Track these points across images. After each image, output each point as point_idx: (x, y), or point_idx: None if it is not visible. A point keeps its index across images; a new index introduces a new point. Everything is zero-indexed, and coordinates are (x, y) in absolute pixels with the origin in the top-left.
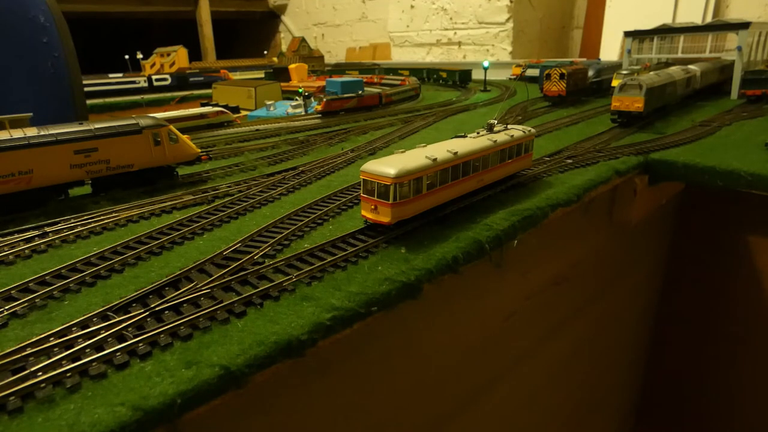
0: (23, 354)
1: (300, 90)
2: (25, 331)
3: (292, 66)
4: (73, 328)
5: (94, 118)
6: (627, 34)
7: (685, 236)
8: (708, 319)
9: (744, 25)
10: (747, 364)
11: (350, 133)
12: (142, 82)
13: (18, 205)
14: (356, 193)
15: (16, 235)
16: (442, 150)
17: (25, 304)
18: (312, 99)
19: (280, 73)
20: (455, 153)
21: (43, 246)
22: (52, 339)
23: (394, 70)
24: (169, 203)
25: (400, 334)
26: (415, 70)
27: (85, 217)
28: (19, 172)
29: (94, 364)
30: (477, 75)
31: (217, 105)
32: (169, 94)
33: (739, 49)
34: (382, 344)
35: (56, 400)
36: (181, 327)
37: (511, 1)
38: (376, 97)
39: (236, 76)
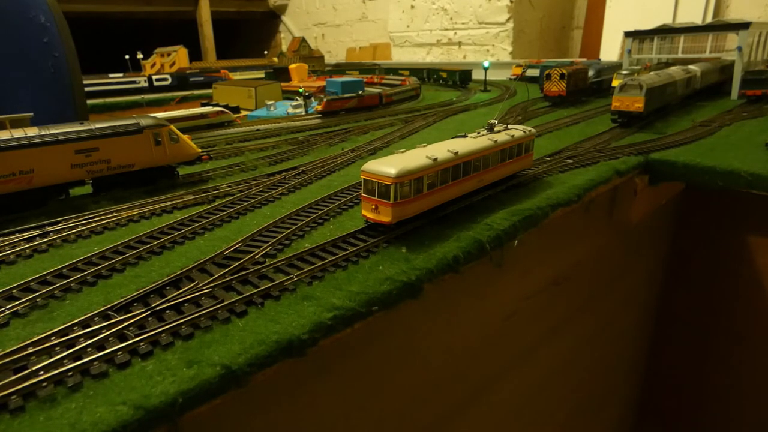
0: (25, 353)
1: (300, 90)
2: (26, 330)
3: (292, 66)
4: (75, 328)
5: (95, 118)
6: (627, 34)
7: (685, 236)
8: (708, 319)
9: (744, 26)
10: (747, 363)
11: (350, 133)
12: (142, 82)
13: (19, 205)
14: (357, 193)
15: (17, 235)
16: (442, 150)
17: (27, 303)
18: (312, 99)
19: (280, 73)
20: (456, 153)
21: (44, 245)
22: (53, 338)
23: (394, 70)
24: (170, 203)
25: (401, 334)
26: (416, 70)
27: (86, 217)
28: (20, 171)
29: (95, 363)
30: (477, 75)
31: (217, 105)
32: (169, 94)
33: (739, 49)
34: (382, 344)
35: (58, 399)
36: (183, 326)
37: (511, 1)
38: (377, 97)
39: (236, 76)
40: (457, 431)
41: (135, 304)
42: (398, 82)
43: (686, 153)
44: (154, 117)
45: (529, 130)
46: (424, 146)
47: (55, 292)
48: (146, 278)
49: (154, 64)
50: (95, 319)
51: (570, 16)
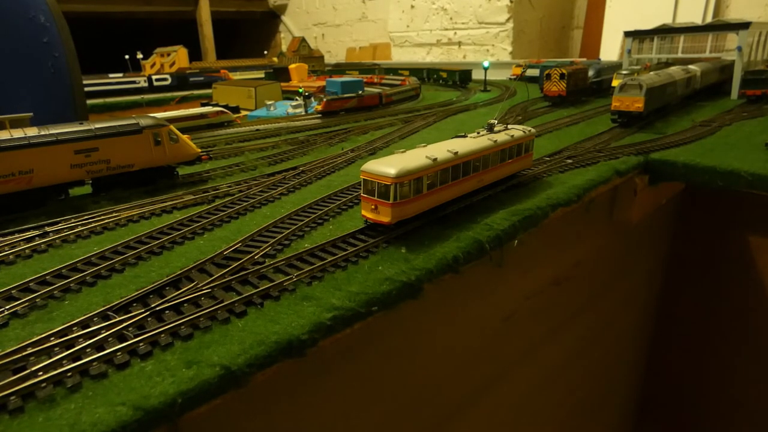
0: (24, 354)
1: (300, 90)
2: (25, 330)
3: (292, 66)
4: (74, 328)
5: (95, 118)
6: (627, 34)
7: (685, 236)
8: (708, 319)
9: (744, 25)
10: (747, 363)
11: (350, 133)
12: (142, 82)
13: (18, 205)
14: (356, 193)
15: (17, 235)
16: (442, 150)
17: (26, 303)
18: (312, 99)
19: (280, 73)
20: (455, 153)
21: (43, 246)
22: (52, 339)
23: (394, 70)
24: (170, 203)
25: (401, 334)
26: (415, 70)
27: (86, 217)
28: (19, 171)
29: (94, 363)
30: (477, 75)
31: (217, 105)
32: (169, 94)
33: (739, 49)
34: (382, 344)
35: (57, 399)
36: (182, 327)
37: (511, 1)
38: (376, 97)
39: (236, 76)
40: (457, 431)
41: (134, 304)
42: (398, 82)
43: (686, 153)
44: (154, 117)
45: (529, 130)
46: (424, 146)
47: (55, 292)
48: (146, 278)
49: (153, 64)
50: (94, 319)
51: (570, 16)
